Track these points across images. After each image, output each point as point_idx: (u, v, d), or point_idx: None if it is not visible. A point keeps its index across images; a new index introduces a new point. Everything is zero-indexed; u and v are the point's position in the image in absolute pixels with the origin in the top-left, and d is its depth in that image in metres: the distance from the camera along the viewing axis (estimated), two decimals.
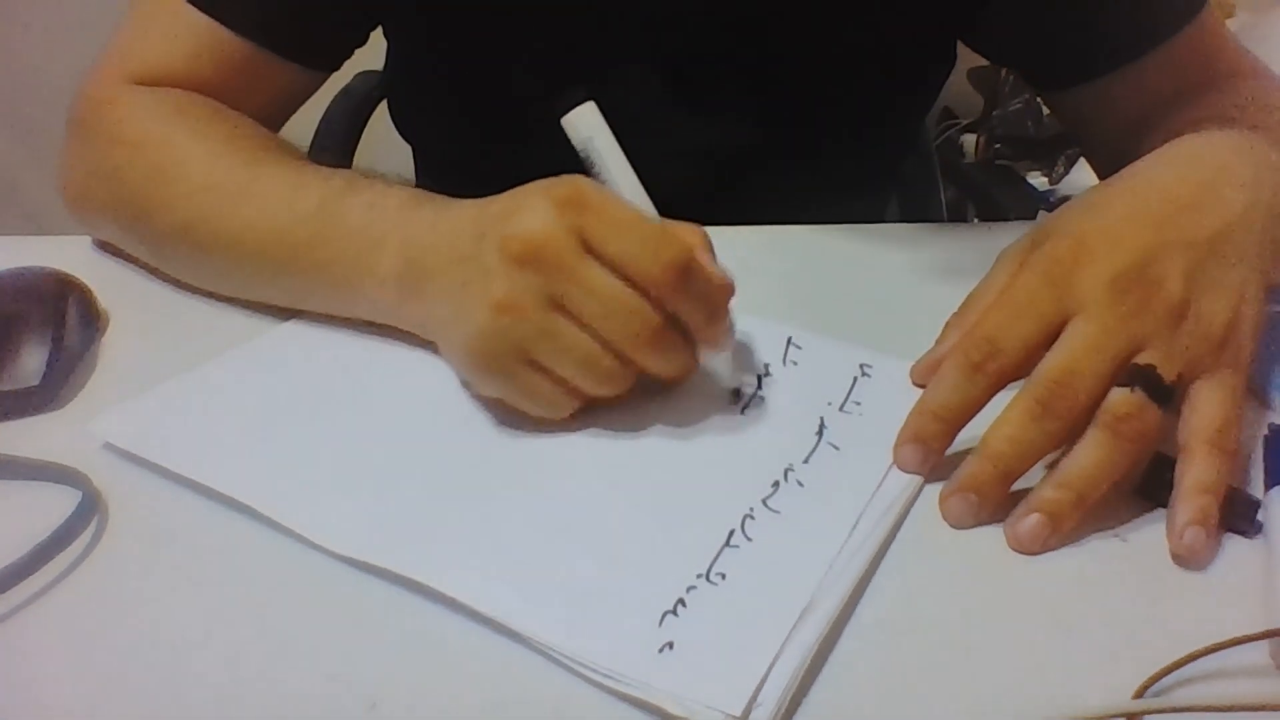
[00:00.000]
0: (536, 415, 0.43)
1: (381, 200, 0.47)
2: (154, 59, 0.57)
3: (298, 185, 0.50)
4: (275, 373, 0.47)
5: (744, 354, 0.48)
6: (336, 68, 0.65)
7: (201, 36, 0.57)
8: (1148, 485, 0.41)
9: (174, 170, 0.52)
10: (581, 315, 0.40)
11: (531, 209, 0.40)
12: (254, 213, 0.50)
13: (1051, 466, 0.40)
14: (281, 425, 0.44)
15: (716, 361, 0.45)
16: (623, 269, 0.40)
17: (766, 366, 0.48)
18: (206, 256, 0.52)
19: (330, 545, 0.37)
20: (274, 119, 0.62)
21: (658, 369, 0.42)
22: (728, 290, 0.43)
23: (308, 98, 0.65)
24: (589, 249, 0.40)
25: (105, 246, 0.58)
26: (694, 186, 0.55)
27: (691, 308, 0.41)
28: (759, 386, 0.47)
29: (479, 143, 0.66)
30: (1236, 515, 0.39)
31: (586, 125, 0.43)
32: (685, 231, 0.43)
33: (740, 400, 0.45)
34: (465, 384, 0.46)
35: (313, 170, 0.51)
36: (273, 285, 0.51)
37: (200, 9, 0.57)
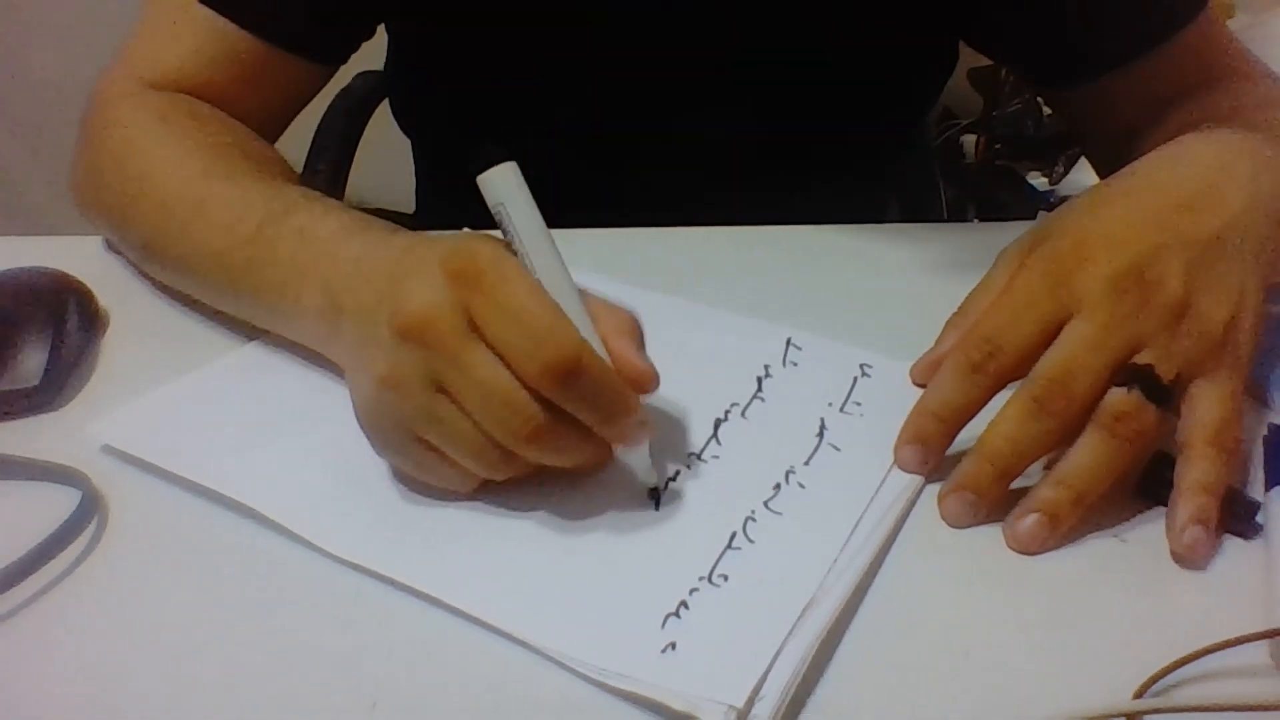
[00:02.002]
0: (437, 485, 0.40)
1: (313, 227, 0.45)
2: (162, 57, 0.58)
3: (243, 206, 0.49)
4: (274, 375, 0.47)
5: (668, 446, 0.43)
6: (344, 61, 0.65)
7: (209, 33, 0.58)
8: (1147, 484, 0.41)
9: (148, 180, 0.53)
10: (462, 402, 0.37)
11: (424, 279, 0.37)
12: (201, 235, 0.50)
13: (1051, 466, 0.40)
14: (281, 428, 0.44)
15: (631, 456, 0.40)
16: (505, 359, 0.36)
17: (766, 367, 0.48)
18: (169, 267, 0.53)
19: (331, 548, 0.37)
20: (281, 114, 0.62)
21: (550, 462, 0.38)
22: (640, 384, 0.38)
23: (316, 93, 0.65)
24: (475, 330, 0.36)
25: (107, 245, 0.58)
26: (693, 186, 0.55)
27: (581, 407, 0.37)
28: (758, 389, 0.47)
29: (476, 135, 0.66)
30: (1236, 517, 0.39)
31: (500, 189, 0.37)
32: (609, 315, 0.39)
33: (658, 499, 0.40)
34: None
35: (261, 189, 0.50)
36: (223, 304, 0.51)
37: (208, 5, 0.57)
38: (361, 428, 0.40)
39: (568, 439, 0.37)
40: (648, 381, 0.38)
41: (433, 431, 0.37)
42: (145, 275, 0.56)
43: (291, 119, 0.64)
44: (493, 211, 0.38)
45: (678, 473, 0.42)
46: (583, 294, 0.39)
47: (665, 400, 0.46)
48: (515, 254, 0.38)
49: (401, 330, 0.36)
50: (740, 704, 0.31)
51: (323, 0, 0.60)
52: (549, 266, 0.38)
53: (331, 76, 0.65)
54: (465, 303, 0.36)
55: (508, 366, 0.36)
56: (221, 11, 0.57)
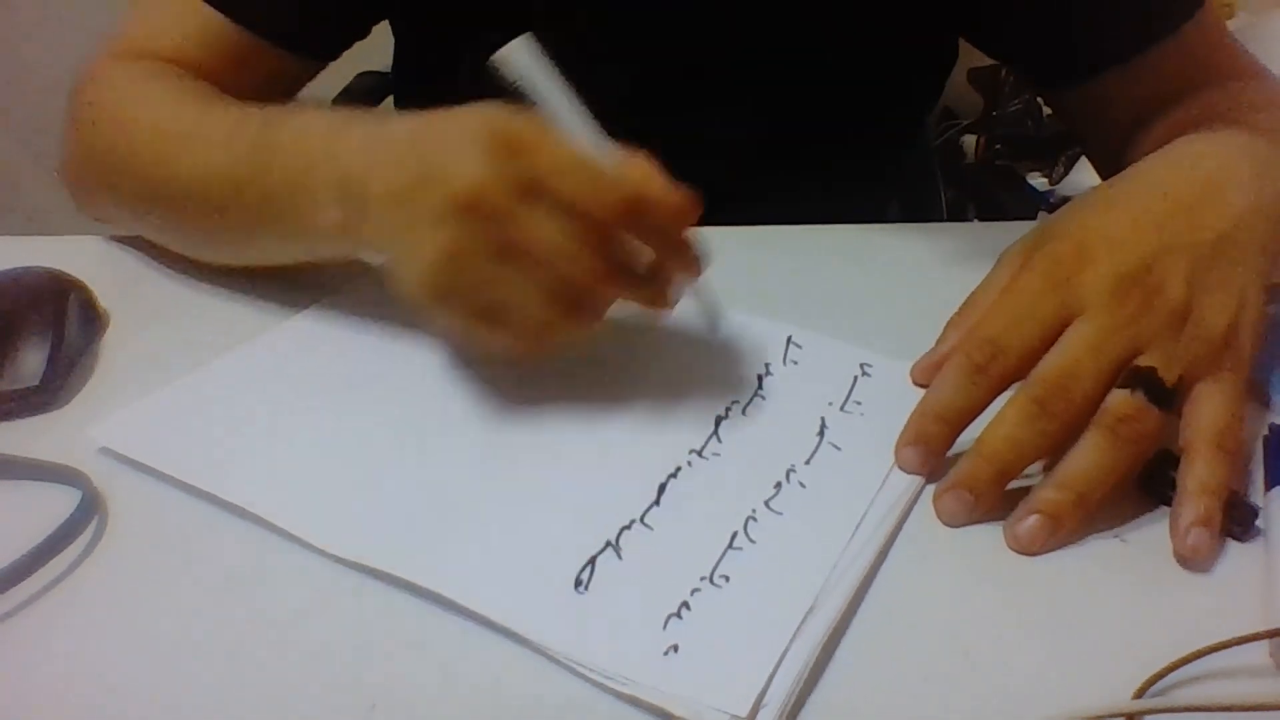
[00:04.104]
0: (500, 353, 0.43)
1: (309, 126, 0.47)
2: (150, 43, 0.58)
3: (238, 122, 0.50)
4: (273, 376, 0.47)
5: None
6: (334, 57, 0.65)
7: (198, 22, 0.58)
8: (1150, 481, 0.41)
9: (130, 123, 0.54)
10: (532, 260, 0.39)
11: (468, 155, 0.39)
12: (201, 154, 0.51)
13: (1050, 468, 0.40)
14: (280, 428, 0.44)
15: (692, 291, 0.45)
16: (569, 210, 0.39)
17: (767, 366, 0.48)
18: (164, 206, 0.53)
19: (331, 549, 0.37)
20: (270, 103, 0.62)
21: (624, 298, 0.42)
22: (684, 214, 0.41)
23: (304, 85, 0.65)
24: (532, 191, 0.39)
25: (107, 243, 0.59)
26: (693, 186, 0.54)
27: (652, 236, 0.41)
28: (759, 386, 0.47)
29: None
30: (1236, 522, 0.39)
31: (518, 62, 0.41)
32: (634, 162, 0.42)
33: (717, 330, 0.46)
34: (463, 384, 0.46)
35: (255, 109, 0.51)
36: (222, 227, 0.51)
37: None
38: (417, 302, 0.41)
39: (632, 277, 0.41)
40: (689, 210, 0.41)
41: (501, 294, 0.40)
42: (148, 268, 0.55)
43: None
44: (516, 83, 0.41)
45: (678, 469, 0.42)
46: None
47: (666, 397, 0.46)
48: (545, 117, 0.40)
49: (462, 206, 0.39)
50: (745, 714, 0.31)
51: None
52: (576, 123, 0.41)
53: (322, 69, 0.65)
54: (516, 169, 0.39)
55: (570, 217, 0.39)
56: (210, 2, 0.58)
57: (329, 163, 0.45)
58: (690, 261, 0.43)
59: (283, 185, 0.47)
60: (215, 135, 0.51)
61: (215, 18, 0.58)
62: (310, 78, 0.65)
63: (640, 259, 0.42)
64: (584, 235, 0.39)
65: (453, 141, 0.40)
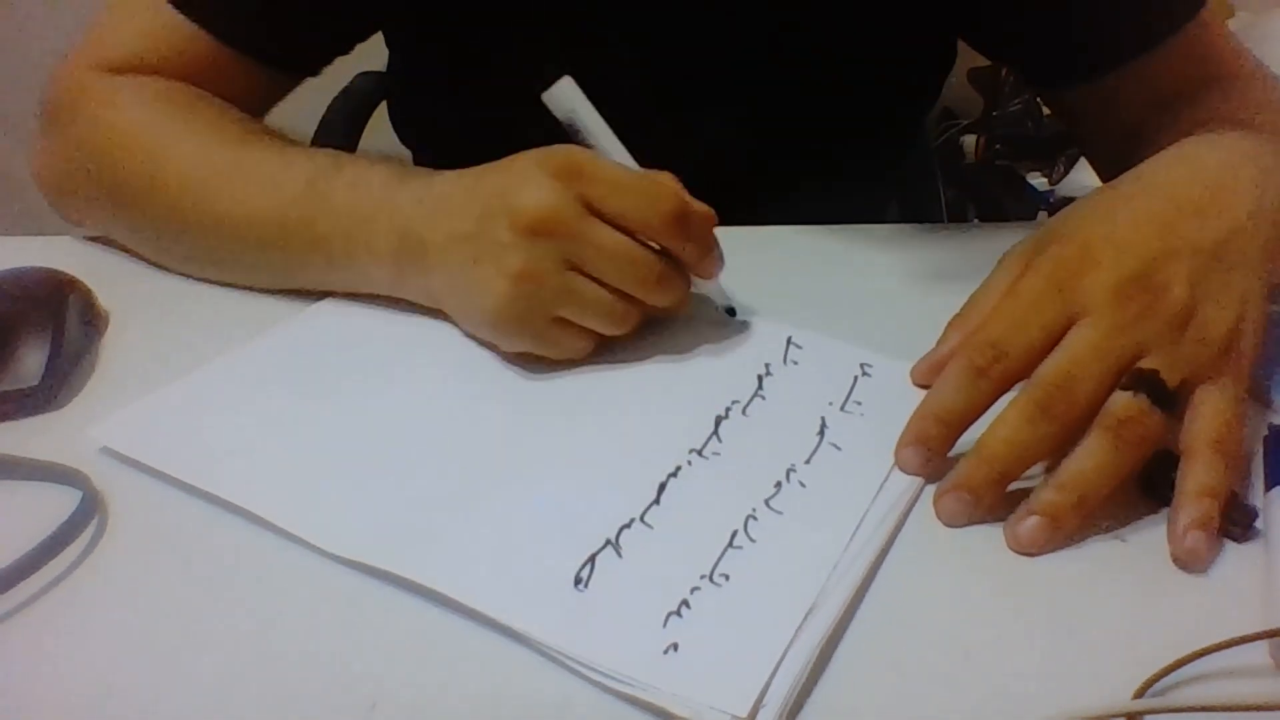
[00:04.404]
0: (559, 358, 0.47)
1: (365, 177, 0.50)
2: (126, 51, 0.58)
3: (285, 164, 0.52)
4: (273, 375, 0.47)
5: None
6: (314, 73, 0.65)
7: (173, 32, 0.57)
8: (1151, 481, 0.41)
9: (162, 153, 0.54)
10: (596, 271, 0.44)
11: (533, 183, 0.44)
12: (243, 192, 0.51)
13: (1051, 469, 0.40)
14: (280, 428, 0.44)
15: (708, 287, 0.50)
16: (625, 225, 0.44)
17: (767, 366, 0.48)
18: (191, 237, 0.54)
19: (331, 548, 0.37)
20: (251, 114, 0.62)
21: (664, 303, 0.47)
22: (712, 220, 0.47)
23: (283, 97, 0.64)
24: (592, 211, 0.44)
25: (107, 243, 0.58)
26: (692, 187, 0.54)
27: (690, 247, 0.46)
28: (759, 386, 0.47)
29: (478, 149, 0.67)
30: (1235, 523, 0.39)
31: (568, 98, 0.46)
32: (666, 179, 0.46)
33: (734, 312, 0.51)
34: (464, 383, 0.46)
35: (297, 150, 0.53)
36: (262, 262, 0.52)
37: (175, 6, 0.57)
38: (493, 331, 0.47)
39: (676, 280, 0.47)
40: (713, 217, 0.47)
41: (571, 305, 0.45)
42: (148, 267, 0.55)
43: (260, 117, 0.63)
44: (564, 121, 0.47)
45: (678, 468, 0.42)
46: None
47: (666, 397, 0.46)
48: (592, 148, 0.46)
49: (530, 229, 0.43)
50: (745, 713, 0.31)
51: (290, 12, 0.59)
52: (620, 153, 0.47)
53: (300, 82, 0.64)
54: (577, 191, 0.43)
55: (626, 231, 0.44)
56: (187, 14, 0.57)
57: (389, 215, 0.48)
58: (716, 263, 0.48)
59: (336, 232, 0.49)
60: (262, 174, 0.52)
61: (192, 30, 0.57)
62: (287, 92, 0.64)
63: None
64: (639, 246, 0.45)
65: (514, 178, 0.45)
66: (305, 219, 0.50)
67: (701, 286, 0.49)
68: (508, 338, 0.47)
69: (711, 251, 0.47)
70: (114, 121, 0.55)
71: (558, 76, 0.46)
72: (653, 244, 0.46)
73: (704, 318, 0.51)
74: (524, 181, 0.44)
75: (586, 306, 0.45)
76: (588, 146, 0.46)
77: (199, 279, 0.55)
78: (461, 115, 0.69)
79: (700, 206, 0.46)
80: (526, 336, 0.46)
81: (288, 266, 0.52)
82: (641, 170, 0.46)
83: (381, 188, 0.49)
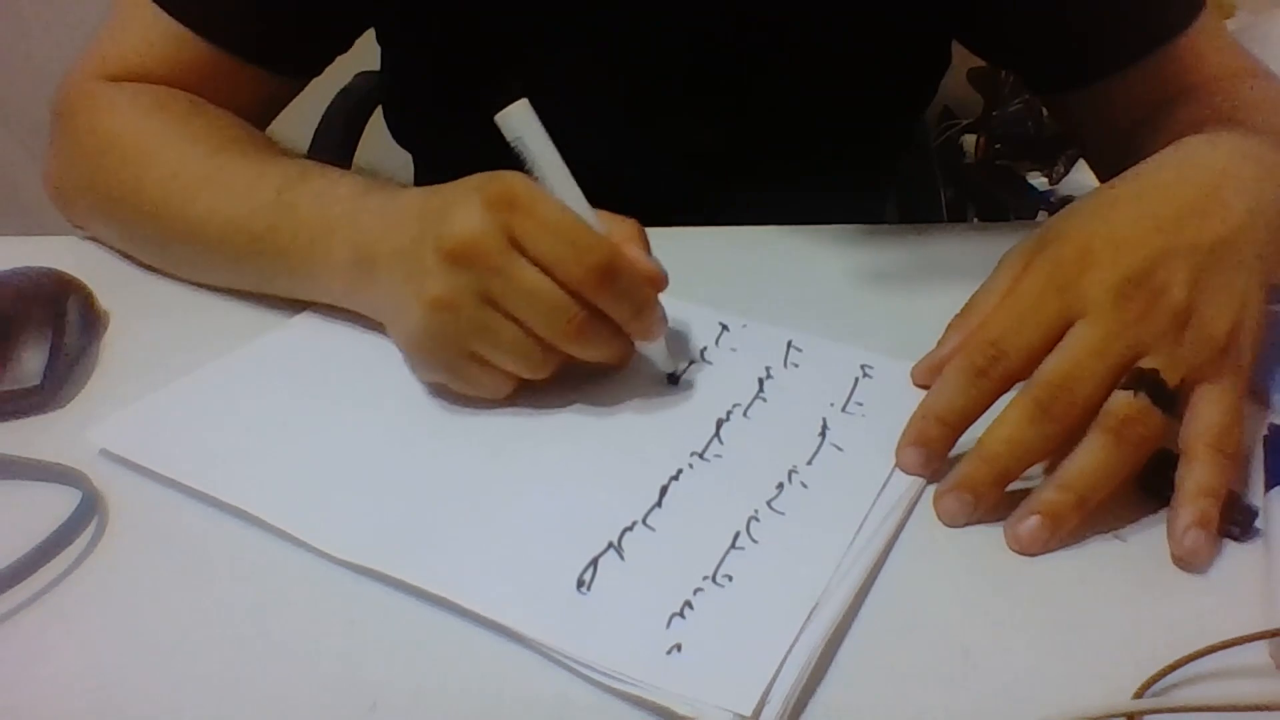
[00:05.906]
0: (476, 396, 0.45)
1: (331, 189, 0.49)
2: (130, 61, 0.58)
3: (258, 175, 0.52)
4: (272, 377, 0.47)
5: (679, 340, 0.49)
6: (315, 74, 0.65)
7: (174, 41, 0.58)
8: (1150, 480, 0.41)
9: (144, 159, 0.54)
10: (511, 309, 0.42)
11: (464, 208, 0.42)
12: (215, 202, 0.51)
13: (1052, 469, 0.40)
14: (279, 429, 0.44)
15: (650, 349, 0.46)
16: (548, 269, 0.41)
17: (768, 369, 0.48)
18: (172, 243, 0.54)
19: (331, 550, 0.37)
20: (253, 121, 0.62)
21: (588, 357, 0.44)
22: (655, 284, 0.44)
23: (288, 101, 0.65)
24: (516, 247, 0.41)
25: (104, 243, 0.58)
26: (691, 187, 0.55)
27: (616, 304, 0.42)
28: (760, 389, 0.47)
29: (473, 148, 0.67)
30: (1235, 523, 0.39)
31: (517, 123, 0.43)
32: (618, 226, 0.44)
33: (677, 383, 0.47)
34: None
35: (274, 160, 0.53)
36: (234, 271, 0.53)
37: (172, 15, 0.57)
38: (410, 355, 0.45)
39: (602, 334, 0.43)
40: (660, 280, 0.44)
41: (485, 341, 0.42)
42: (148, 268, 0.56)
43: (267, 122, 0.64)
44: (511, 144, 0.43)
45: (680, 471, 0.42)
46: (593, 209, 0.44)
47: (667, 400, 0.46)
48: (536, 180, 0.43)
49: (451, 254, 0.41)
50: (749, 712, 0.31)
51: (287, 14, 0.59)
52: (565, 188, 0.43)
53: (305, 85, 0.65)
54: (505, 223, 0.41)
55: (549, 275, 0.41)
56: (185, 23, 0.57)
57: (348, 227, 0.47)
58: (651, 326, 0.44)
59: (299, 245, 0.49)
60: (235, 184, 0.52)
61: (191, 38, 0.58)
62: (292, 95, 0.65)
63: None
64: (560, 292, 0.41)
65: (452, 200, 0.43)
66: (271, 228, 0.49)
67: (642, 347, 0.46)
68: (421, 366, 0.45)
69: (645, 312, 0.43)
70: (109, 128, 0.56)
71: (517, 96, 0.43)
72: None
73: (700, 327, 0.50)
74: (457, 206, 0.42)
75: (499, 345, 0.42)
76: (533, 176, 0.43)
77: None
78: (451, 115, 0.69)
79: (643, 266, 0.43)
80: (439, 368, 0.44)
81: (260, 275, 0.52)
82: (592, 212, 0.43)
83: (346, 200, 0.48)
